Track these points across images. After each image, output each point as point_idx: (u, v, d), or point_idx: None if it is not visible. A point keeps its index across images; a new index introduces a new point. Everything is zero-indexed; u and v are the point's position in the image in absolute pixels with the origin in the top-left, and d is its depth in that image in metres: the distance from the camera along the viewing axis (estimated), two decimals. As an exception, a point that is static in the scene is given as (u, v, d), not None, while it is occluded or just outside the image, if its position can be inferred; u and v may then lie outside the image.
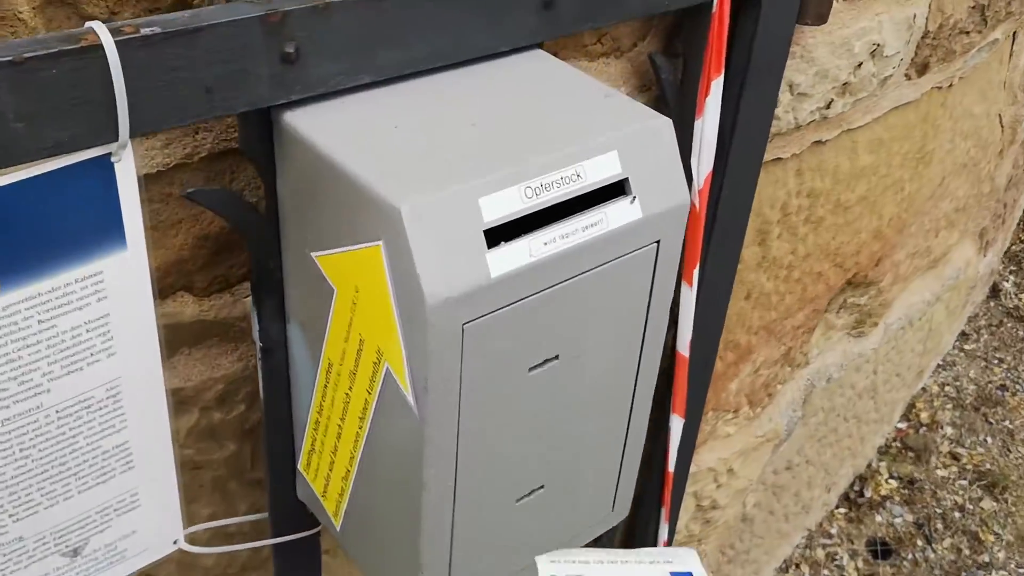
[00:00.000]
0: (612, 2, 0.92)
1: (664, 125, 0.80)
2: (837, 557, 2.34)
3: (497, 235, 0.70)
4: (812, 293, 1.71)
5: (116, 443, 0.83)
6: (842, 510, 2.43)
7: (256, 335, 0.89)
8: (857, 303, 1.94)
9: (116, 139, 0.67)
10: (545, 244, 0.73)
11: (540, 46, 0.94)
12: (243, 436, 1.10)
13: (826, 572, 2.31)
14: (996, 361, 2.89)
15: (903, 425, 2.64)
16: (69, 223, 0.70)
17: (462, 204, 0.68)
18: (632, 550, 0.62)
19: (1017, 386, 2.81)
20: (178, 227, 0.90)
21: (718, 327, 1.38)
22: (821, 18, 1.16)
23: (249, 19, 0.68)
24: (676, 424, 1.41)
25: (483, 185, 0.69)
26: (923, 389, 2.76)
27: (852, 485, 2.46)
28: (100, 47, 0.63)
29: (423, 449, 0.74)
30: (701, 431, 1.66)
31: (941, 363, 2.85)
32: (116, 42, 0.63)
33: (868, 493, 2.45)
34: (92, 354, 0.76)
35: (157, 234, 0.90)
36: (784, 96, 1.29)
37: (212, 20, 0.67)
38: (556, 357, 0.79)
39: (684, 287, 1.25)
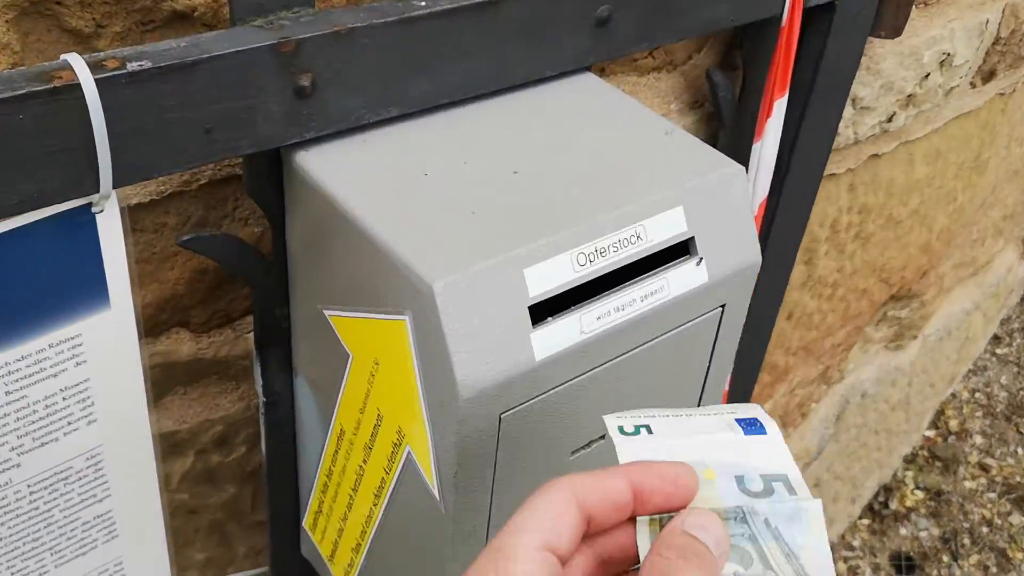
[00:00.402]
0: (671, 18, 0.80)
1: (737, 174, 0.69)
2: (859, 571, 2.25)
3: (543, 309, 0.60)
4: (855, 310, 1.60)
5: (98, 513, 0.73)
6: (865, 521, 2.34)
7: (259, 388, 0.79)
8: (898, 316, 1.83)
9: (97, 190, 0.56)
10: (598, 319, 0.62)
11: (589, 68, 0.82)
12: (243, 479, 1.00)
13: (847, 587, 2.22)
14: (1029, 367, 2.78)
15: (931, 433, 2.54)
16: (42, 283, 0.60)
17: (505, 277, 0.58)
18: (697, 407, 0.54)
19: (1050, 393, 2.70)
20: (173, 260, 0.80)
21: (759, 358, 1.27)
22: (897, 31, 1.05)
23: (257, 49, 0.57)
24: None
25: (529, 253, 0.59)
26: (952, 395, 2.65)
27: (877, 496, 2.36)
28: (77, 87, 0.52)
29: (447, 542, 0.64)
30: (731, 454, 1.56)
31: (972, 367, 2.74)
32: (96, 80, 0.52)
33: (893, 505, 2.35)
34: (69, 423, 0.66)
35: (150, 267, 0.80)
36: (846, 111, 1.18)
37: (213, 51, 0.56)
38: (602, 437, 0.69)
39: (729, 319, 1.14)
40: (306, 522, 0.86)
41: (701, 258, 0.67)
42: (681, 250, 0.67)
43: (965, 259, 1.94)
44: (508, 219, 0.61)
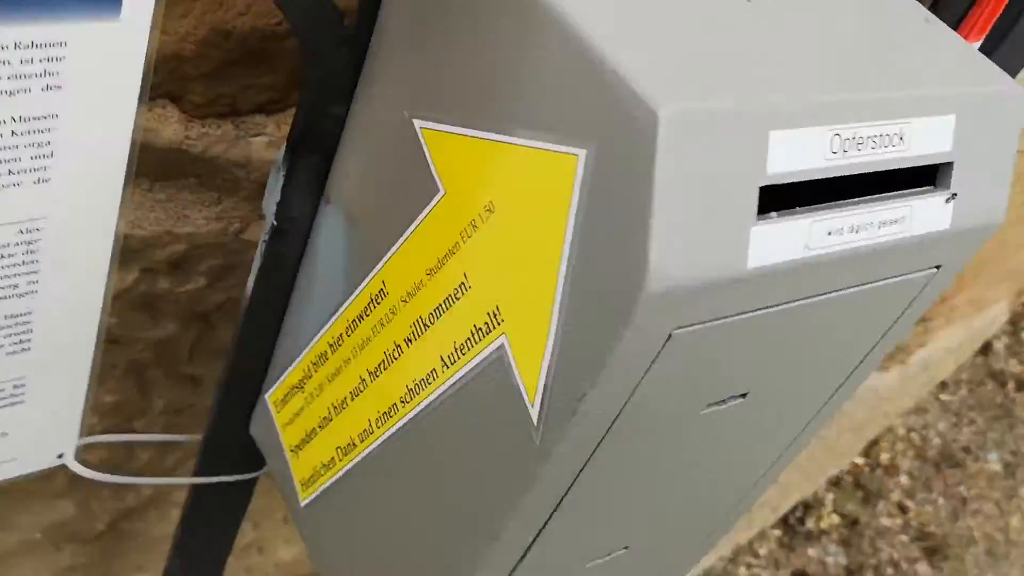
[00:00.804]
0: None
1: (1018, 98, 0.50)
2: (758, 581, 2.14)
3: (773, 198, 0.40)
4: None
5: (11, 311, 0.51)
6: (777, 532, 2.22)
7: (271, 207, 0.57)
8: (897, 335, 1.68)
9: None
10: (829, 235, 0.43)
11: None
12: (189, 318, 0.79)
13: (742, 594, 2.11)
14: (967, 421, 2.70)
15: (860, 461, 2.43)
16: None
17: (747, 132, 0.38)
18: None
19: (980, 452, 2.63)
20: (190, 5, 0.58)
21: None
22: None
23: None
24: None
25: (782, 112, 0.39)
26: (890, 428, 2.55)
27: (795, 510, 2.25)
28: None
29: (525, 490, 0.45)
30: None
31: (914, 406, 2.65)
32: None
33: (809, 523, 2.24)
34: (12, 171, 0.44)
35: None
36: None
37: None
38: (744, 395, 0.50)
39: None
40: (272, 395, 0.66)
41: (954, 194, 0.48)
42: (928, 177, 0.48)
43: (976, 296, 1.80)
44: (762, 61, 0.41)
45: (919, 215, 0.47)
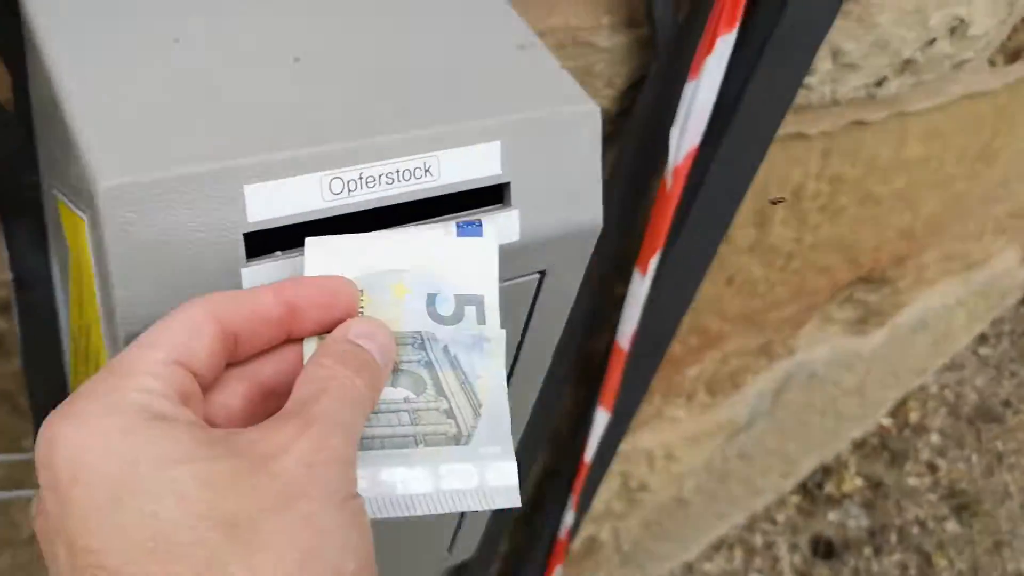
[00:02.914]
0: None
1: (589, 115, 0.54)
2: (775, 547, 2.15)
3: (279, 240, 0.46)
4: (811, 287, 1.45)
5: None
6: (796, 499, 2.23)
7: (7, 261, 0.65)
8: (865, 300, 1.68)
9: None
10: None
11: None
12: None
13: (759, 560, 2.13)
14: (1008, 373, 2.64)
15: (887, 422, 2.41)
16: None
17: (214, 191, 0.44)
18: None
19: (1022, 405, 2.56)
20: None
21: (673, 322, 1.14)
22: (891, -20, 0.88)
23: None
24: (601, 418, 1.19)
25: (257, 166, 0.44)
26: (920, 387, 2.52)
27: (813, 475, 2.25)
28: None
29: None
30: (644, 412, 1.44)
31: (949, 363, 2.60)
32: None
33: (828, 488, 2.24)
34: None
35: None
36: (823, 63, 1.01)
37: None
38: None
39: (636, 275, 1.00)
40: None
41: (515, 210, 0.52)
42: (496, 195, 0.52)
43: (955, 252, 1.78)
44: (252, 118, 0.46)
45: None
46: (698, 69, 0.82)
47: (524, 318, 0.59)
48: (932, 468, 2.35)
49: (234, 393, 0.41)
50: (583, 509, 1.39)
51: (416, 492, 0.43)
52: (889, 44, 1.04)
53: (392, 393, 0.44)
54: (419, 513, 0.43)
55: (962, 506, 2.29)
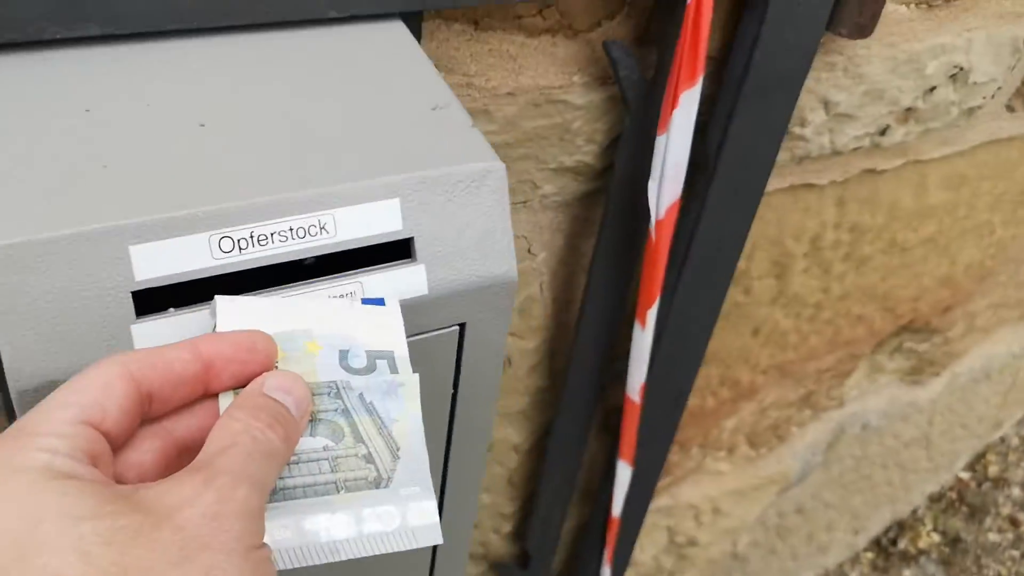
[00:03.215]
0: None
1: (491, 172, 0.57)
2: (850, 606, 2.10)
3: (174, 297, 0.50)
4: (848, 336, 1.45)
5: None
6: (870, 555, 2.18)
7: None
8: (915, 349, 1.66)
9: None
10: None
11: (420, 16, 0.72)
12: None
13: (833, 620, 2.08)
14: (1095, 424, 2.53)
15: (965, 475, 2.34)
16: None
17: (100, 251, 0.47)
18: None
19: (1113, 457, 2.46)
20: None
21: (687, 374, 1.15)
22: (861, 30, 0.90)
23: None
24: (623, 471, 1.20)
25: (142, 226, 0.48)
26: (1001, 439, 2.44)
27: (887, 531, 2.20)
28: None
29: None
30: (682, 467, 1.45)
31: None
32: None
33: (903, 544, 2.18)
34: None
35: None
36: (815, 115, 1.03)
37: None
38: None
39: (637, 327, 1.03)
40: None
41: (420, 265, 0.56)
42: (402, 250, 0.56)
43: (1009, 299, 1.74)
44: (145, 180, 0.51)
45: (379, 287, 0.55)
46: (666, 124, 0.85)
47: (452, 372, 0.62)
48: (1014, 523, 2.27)
49: (148, 450, 0.42)
50: (620, 564, 1.39)
51: (339, 538, 0.45)
52: (884, 93, 1.06)
53: (311, 443, 0.45)
54: (344, 558, 0.45)
55: (1049, 563, 2.20)
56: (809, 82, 0.99)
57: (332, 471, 0.45)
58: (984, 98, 1.17)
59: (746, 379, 1.37)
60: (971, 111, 1.18)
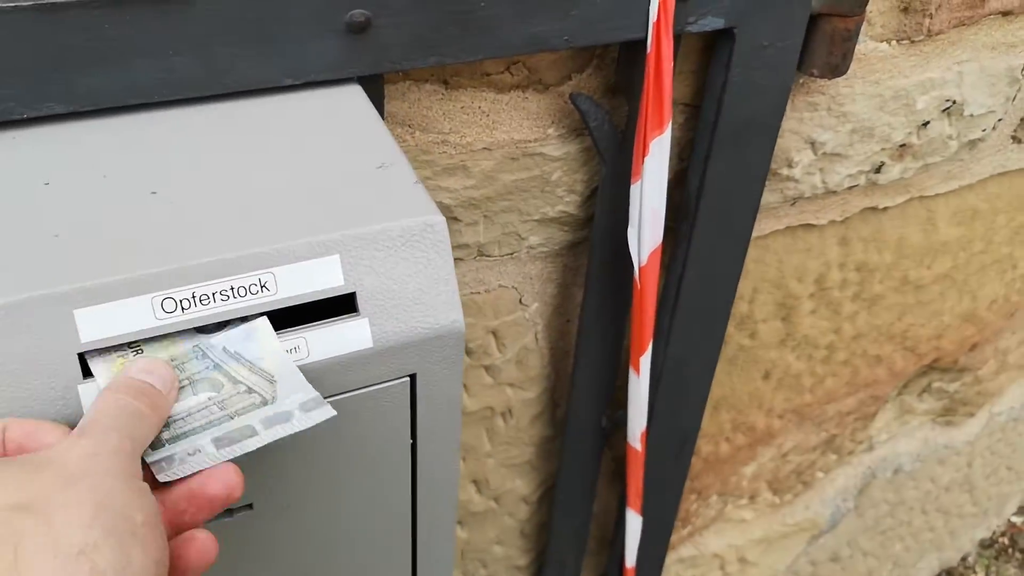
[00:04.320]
0: (468, 34, 0.70)
1: (431, 227, 0.58)
2: (900, 658, 2.03)
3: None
4: (867, 378, 1.42)
5: None
6: (919, 605, 2.11)
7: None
8: (945, 389, 1.62)
9: None
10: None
11: (381, 78, 0.73)
12: None
13: (882, 673, 2.01)
14: None
15: (1018, 520, 2.26)
16: None
17: (45, 315, 0.49)
18: None
19: None
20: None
21: (691, 419, 1.14)
22: (835, 70, 0.90)
23: None
24: (633, 521, 1.19)
25: (85, 291, 0.50)
26: (1056, 481, 2.36)
27: (937, 580, 2.13)
28: None
29: None
30: (702, 515, 1.43)
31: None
32: None
33: (954, 593, 2.11)
34: None
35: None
36: (802, 155, 1.02)
37: None
38: (250, 506, 0.61)
39: (632, 375, 1.02)
40: None
41: (364, 318, 0.57)
42: (347, 305, 0.57)
43: (1038, 336, 1.70)
44: (93, 247, 0.53)
45: (324, 341, 0.56)
46: (639, 171, 0.85)
47: (407, 425, 0.63)
48: (1072, 569, 2.19)
49: None
50: (641, 615, 1.37)
51: (243, 435, 0.51)
52: (874, 131, 1.05)
53: (196, 399, 0.52)
54: (254, 447, 0.51)
55: (1109, 610, 2.11)
56: (792, 123, 0.99)
57: (222, 410, 0.52)
58: (984, 130, 1.15)
59: (761, 424, 1.35)
60: (973, 144, 1.17)
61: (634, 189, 0.87)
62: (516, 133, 0.87)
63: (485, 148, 0.86)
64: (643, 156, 0.84)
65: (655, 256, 0.92)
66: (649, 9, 0.77)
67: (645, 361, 1.00)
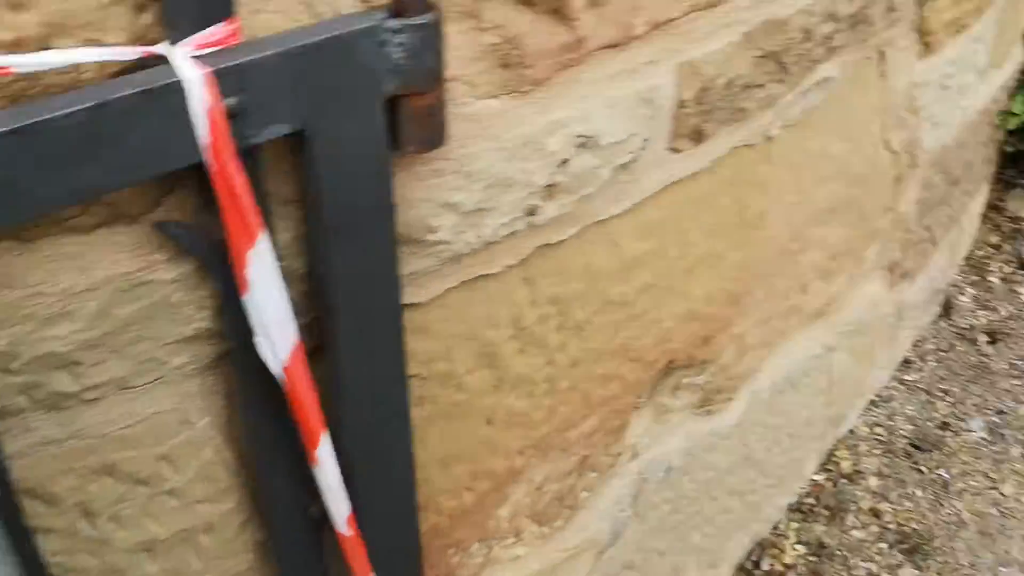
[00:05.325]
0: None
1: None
2: (729, 638, 2.09)
3: None
4: (601, 396, 1.45)
5: None
6: (737, 582, 2.18)
7: None
8: (695, 383, 1.67)
9: None
10: None
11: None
12: None
13: (713, 657, 2.06)
14: (940, 394, 2.59)
15: (820, 478, 2.36)
16: None
17: None
18: None
19: (961, 423, 2.50)
20: None
21: (401, 486, 1.14)
22: (433, 143, 0.91)
23: None
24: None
25: None
26: (851, 431, 2.47)
27: (750, 555, 2.20)
28: None
29: None
30: (468, 565, 1.43)
31: (875, 398, 2.56)
32: None
33: (767, 564, 2.19)
34: None
35: None
36: (443, 219, 1.04)
37: None
38: None
39: (314, 468, 1.01)
40: None
41: None
42: None
43: (777, 311, 1.77)
44: None
45: None
46: (245, 283, 0.85)
47: None
48: (876, 514, 2.29)
49: None
50: None
51: None
52: (512, 179, 1.07)
53: None
54: None
55: (915, 548, 2.22)
56: (422, 192, 1.00)
57: None
58: (631, 152, 1.19)
59: (501, 466, 1.36)
60: (625, 167, 1.21)
61: (246, 300, 0.86)
62: (118, 267, 0.85)
63: (87, 290, 0.84)
64: (243, 269, 0.84)
65: (298, 352, 0.91)
66: (197, 134, 0.77)
67: (322, 451, 1.00)
